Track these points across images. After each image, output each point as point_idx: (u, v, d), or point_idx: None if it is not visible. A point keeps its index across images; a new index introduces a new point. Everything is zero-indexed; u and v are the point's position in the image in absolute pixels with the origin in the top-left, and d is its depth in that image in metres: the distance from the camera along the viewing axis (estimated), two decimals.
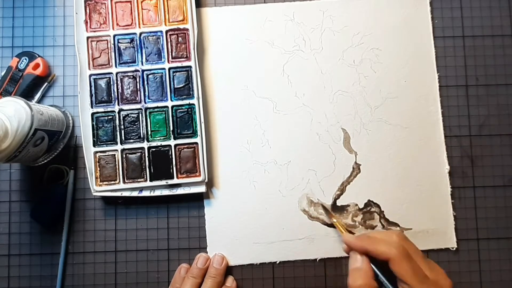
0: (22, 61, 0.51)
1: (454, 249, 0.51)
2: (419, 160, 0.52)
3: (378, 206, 0.51)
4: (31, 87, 0.51)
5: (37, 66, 0.51)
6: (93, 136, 0.50)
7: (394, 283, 0.40)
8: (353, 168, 0.52)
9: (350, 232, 0.49)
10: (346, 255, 0.45)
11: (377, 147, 0.52)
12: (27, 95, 0.52)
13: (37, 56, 0.52)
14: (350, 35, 0.53)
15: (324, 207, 0.51)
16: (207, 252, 0.51)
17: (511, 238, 0.52)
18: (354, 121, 0.52)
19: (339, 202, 0.51)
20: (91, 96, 0.50)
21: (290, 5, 0.53)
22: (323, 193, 0.51)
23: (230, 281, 0.49)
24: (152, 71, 0.51)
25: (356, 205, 0.51)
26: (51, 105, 0.51)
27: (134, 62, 0.51)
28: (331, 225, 0.51)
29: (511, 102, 0.53)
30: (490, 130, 0.53)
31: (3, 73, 0.51)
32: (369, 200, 0.51)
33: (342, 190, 0.52)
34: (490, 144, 0.53)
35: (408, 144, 0.52)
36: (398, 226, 0.51)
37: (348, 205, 0.51)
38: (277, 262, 0.51)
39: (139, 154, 0.50)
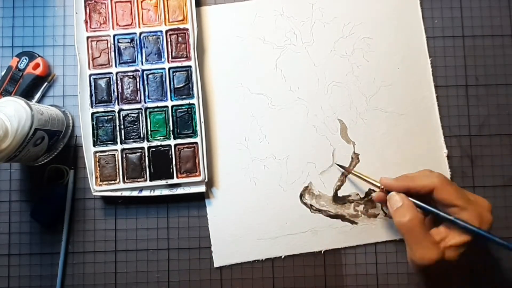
0: (22, 61, 0.51)
1: None
2: (417, 146, 0.52)
3: None
4: (31, 87, 0.52)
5: (37, 66, 0.51)
6: (93, 136, 0.50)
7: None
8: (352, 158, 0.52)
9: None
10: (351, 244, 0.47)
11: (374, 135, 0.52)
12: (27, 95, 0.52)
13: (37, 56, 0.52)
14: (340, 26, 0.53)
15: (339, 165, 0.51)
16: (211, 251, 0.51)
17: (511, 238, 0.52)
18: (350, 111, 0.53)
19: (340, 193, 0.52)
20: (91, 96, 0.50)
21: (279, 0, 0.54)
22: (324, 185, 0.52)
23: None
24: (152, 71, 0.51)
25: (357, 194, 0.52)
26: (51, 105, 0.51)
27: (134, 62, 0.51)
28: (334, 216, 0.51)
29: (511, 102, 0.53)
30: (490, 130, 0.53)
31: (3, 73, 0.51)
32: (370, 189, 0.52)
33: (342, 181, 0.52)
34: (490, 144, 0.53)
35: (405, 131, 0.52)
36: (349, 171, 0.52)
37: (349, 195, 0.52)
38: (283, 257, 0.51)
39: (139, 154, 0.50)
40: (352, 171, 0.50)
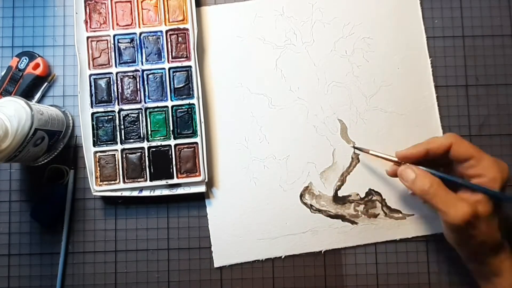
0: (22, 61, 0.51)
1: None
2: None
3: (379, 194, 0.52)
4: (31, 87, 0.52)
5: (37, 66, 0.51)
6: (93, 136, 0.50)
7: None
8: (352, 158, 0.52)
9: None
10: (351, 244, 0.48)
11: (374, 135, 0.52)
12: (27, 95, 0.52)
13: (37, 56, 0.52)
14: (340, 26, 0.53)
15: (356, 147, 0.51)
16: (211, 251, 0.51)
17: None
18: (350, 111, 0.53)
19: (340, 193, 0.52)
20: (91, 96, 0.50)
21: (279, 0, 0.54)
22: (324, 185, 0.52)
23: None
24: (152, 71, 0.51)
25: (358, 194, 0.52)
26: (51, 105, 0.51)
27: (134, 62, 0.51)
28: (334, 216, 0.51)
29: (511, 102, 0.53)
30: (490, 130, 0.53)
31: (3, 73, 0.51)
32: (370, 189, 0.52)
33: (342, 181, 0.52)
34: (490, 144, 0.53)
35: (405, 131, 0.52)
36: (400, 212, 0.51)
37: (349, 195, 0.52)
38: (283, 257, 0.51)
39: (139, 154, 0.50)
40: (370, 152, 0.49)
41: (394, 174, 0.46)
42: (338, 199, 0.52)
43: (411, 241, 0.51)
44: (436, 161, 0.44)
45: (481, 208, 0.40)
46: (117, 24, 0.51)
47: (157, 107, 0.50)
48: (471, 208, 0.40)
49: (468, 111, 0.53)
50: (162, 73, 0.51)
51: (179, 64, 0.51)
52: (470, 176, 0.42)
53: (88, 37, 0.51)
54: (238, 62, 0.53)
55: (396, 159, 0.46)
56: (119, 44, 0.51)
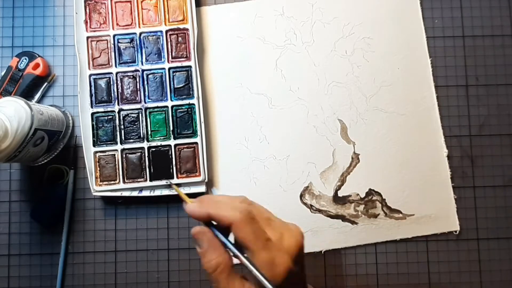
0: (22, 61, 0.51)
1: (457, 232, 0.51)
2: (417, 146, 0.52)
3: (379, 194, 0.52)
4: (31, 87, 0.51)
5: (37, 66, 0.51)
6: (93, 136, 0.50)
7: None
8: (352, 158, 0.52)
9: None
10: (351, 245, 0.48)
11: (374, 135, 0.52)
12: (27, 95, 0.52)
13: (37, 56, 0.51)
14: (340, 26, 0.53)
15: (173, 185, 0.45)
16: None
17: (511, 238, 0.52)
18: (350, 111, 0.53)
19: (340, 193, 0.52)
20: (91, 96, 0.50)
21: (279, 0, 0.54)
22: (324, 185, 0.52)
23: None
24: (152, 71, 0.51)
25: (358, 194, 0.52)
26: (51, 105, 0.51)
27: (134, 62, 0.51)
28: (334, 217, 0.51)
29: (511, 102, 0.53)
30: (490, 130, 0.53)
31: (3, 73, 0.51)
32: (370, 189, 0.52)
33: (342, 181, 0.52)
34: (490, 144, 0.53)
35: (405, 131, 0.52)
36: (401, 212, 0.51)
37: (349, 196, 0.52)
38: None
39: (139, 154, 0.50)
40: (174, 186, 0.43)
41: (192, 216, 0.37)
42: (338, 199, 0.52)
43: (411, 241, 0.51)
44: None
45: None
46: (117, 24, 0.51)
47: (157, 107, 0.50)
48: None
49: (468, 111, 0.53)
50: (162, 73, 0.51)
51: (179, 64, 0.51)
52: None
53: (88, 37, 0.51)
54: (238, 62, 0.53)
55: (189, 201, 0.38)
56: (119, 44, 0.51)
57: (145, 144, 0.50)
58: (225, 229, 0.35)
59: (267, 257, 0.34)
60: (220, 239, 0.35)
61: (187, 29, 0.51)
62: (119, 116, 0.50)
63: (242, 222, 0.34)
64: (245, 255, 0.34)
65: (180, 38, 0.51)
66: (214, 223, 0.36)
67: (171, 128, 0.50)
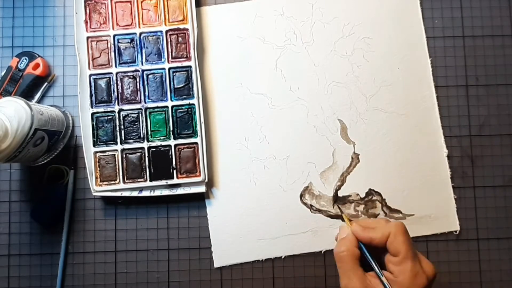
0: (22, 61, 0.51)
1: (457, 232, 0.51)
2: (417, 146, 0.52)
3: (379, 194, 0.52)
4: (31, 87, 0.51)
5: (37, 66, 0.51)
6: (93, 136, 0.50)
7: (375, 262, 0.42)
8: (352, 158, 0.52)
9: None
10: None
11: (374, 135, 0.52)
12: (27, 95, 0.52)
13: (37, 56, 0.52)
14: (340, 26, 0.53)
15: (339, 208, 0.51)
16: (211, 252, 0.51)
17: (511, 238, 0.52)
18: (350, 111, 0.53)
19: (340, 193, 0.52)
20: (91, 96, 0.50)
21: (279, 0, 0.54)
22: (324, 185, 0.52)
23: None
24: (152, 71, 0.51)
25: (358, 194, 0.52)
26: (51, 105, 0.51)
27: (134, 62, 0.51)
28: (334, 217, 0.51)
29: (511, 102, 0.53)
30: (490, 130, 0.53)
31: (3, 73, 0.51)
32: (370, 189, 0.52)
33: (342, 181, 0.52)
34: (490, 144, 0.53)
35: (405, 131, 0.52)
36: (400, 212, 0.51)
37: (349, 196, 0.52)
38: (283, 257, 0.51)
39: (139, 154, 0.50)
40: (343, 214, 0.49)
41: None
42: (338, 199, 0.52)
43: None
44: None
45: None
46: (117, 24, 0.51)
47: (157, 107, 0.50)
48: (361, 286, 0.40)
49: (468, 111, 0.53)
50: (162, 73, 0.51)
51: (179, 64, 0.51)
52: (388, 269, 0.42)
53: (88, 37, 0.51)
54: (238, 62, 0.53)
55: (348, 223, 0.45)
56: (119, 44, 0.51)
57: (145, 144, 0.50)
58: (373, 249, 0.43)
59: (414, 268, 0.40)
60: (366, 256, 0.42)
61: (187, 29, 0.51)
62: (119, 116, 0.50)
63: (400, 231, 0.41)
64: (383, 276, 0.41)
65: (180, 38, 0.51)
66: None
67: (171, 128, 0.50)
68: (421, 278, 0.40)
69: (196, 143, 0.50)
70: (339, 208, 0.51)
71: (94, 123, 0.50)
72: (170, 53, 0.51)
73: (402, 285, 0.39)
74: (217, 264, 0.51)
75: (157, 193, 0.50)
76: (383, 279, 0.40)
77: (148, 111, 0.50)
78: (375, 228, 0.42)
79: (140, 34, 0.51)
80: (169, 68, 0.51)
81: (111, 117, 0.50)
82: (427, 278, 0.40)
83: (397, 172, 0.52)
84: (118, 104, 0.50)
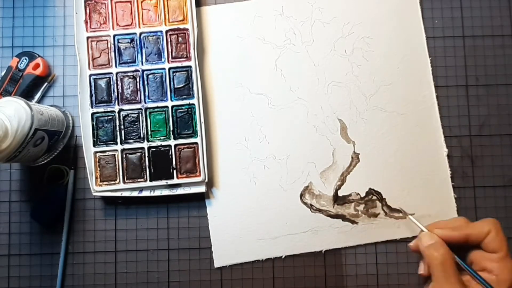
0: (22, 61, 0.51)
1: None
2: (417, 145, 0.52)
3: (379, 193, 0.52)
4: (31, 87, 0.51)
5: (37, 66, 0.51)
6: (93, 136, 0.50)
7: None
8: (352, 157, 0.52)
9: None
10: (352, 244, 0.49)
11: (374, 135, 0.52)
12: (27, 95, 0.52)
13: (37, 56, 0.52)
14: (340, 26, 0.53)
15: (402, 211, 0.50)
16: (211, 252, 0.51)
17: (511, 238, 0.52)
18: (350, 110, 0.53)
19: (340, 193, 0.52)
20: (91, 96, 0.50)
21: (279, 0, 0.54)
22: (324, 184, 0.52)
23: None
24: (152, 71, 0.51)
25: (358, 194, 0.52)
26: (51, 105, 0.51)
27: (134, 62, 0.51)
28: (334, 216, 0.51)
29: (511, 102, 0.53)
30: (490, 130, 0.53)
31: (3, 73, 0.51)
32: (370, 189, 0.52)
33: (342, 180, 0.52)
34: (490, 144, 0.53)
35: (405, 130, 0.52)
36: (401, 212, 0.51)
37: (349, 195, 0.52)
38: (283, 257, 0.51)
39: (139, 154, 0.50)
40: (408, 217, 0.48)
41: (415, 250, 0.45)
42: (338, 199, 0.52)
43: (411, 241, 0.51)
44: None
45: None
46: (117, 24, 0.51)
47: (157, 107, 0.50)
48: None
49: (468, 111, 0.53)
50: (162, 73, 0.51)
51: (179, 64, 0.51)
52: (481, 266, 0.42)
53: (88, 37, 0.51)
54: (238, 62, 0.53)
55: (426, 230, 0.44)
56: (119, 44, 0.51)
57: (145, 144, 0.50)
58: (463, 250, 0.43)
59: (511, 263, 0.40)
60: (459, 262, 0.42)
61: (187, 29, 0.51)
62: (119, 116, 0.50)
63: (499, 229, 0.41)
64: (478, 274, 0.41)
65: (180, 38, 0.51)
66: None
67: (171, 128, 0.50)
68: None
69: (196, 143, 0.50)
70: (407, 215, 0.48)
71: (94, 123, 0.50)
72: (170, 53, 0.51)
73: (505, 282, 0.40)
74: (217, 264, 0.51)
75: (157, 193, 0.50)
76: (483, 280, 0.40)
77: (148, 111, 0.50)
78: (470, 226, 0.42)
79: (140, 34, 0.51)
80: (169, 68, 0.51)
81: (111, 117, 0.50)
82: None
83: (397, 171, 0.52)
84: (118, 104, 0.50)
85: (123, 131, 0.50)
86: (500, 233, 0.41)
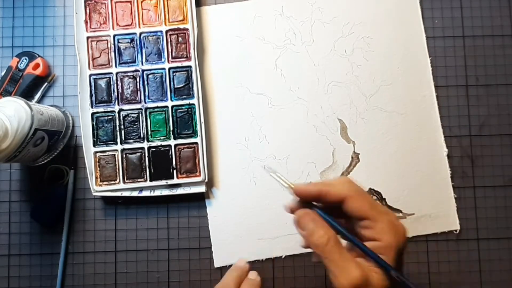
0: (22, 61, 0.51)
1: (458, 231, 0.51)
2: (417, 145, 0.52)
3: (379, 193, 0.52)
4: (31, 87, 0.51)
5: (37, 66, 0.51)
6: (93, 136, 0.50)
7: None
8: (352, 157, 0.52)
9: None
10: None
11: (374, 135, 0.52)
12: (27, 95, 0.52)
13: (37, 56, 0.51)
14: (340, 26, 0.53)
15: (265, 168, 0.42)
16: (211, 252, 0.51)
17: (511, 238, 0.52)
18: (350, 110, 0.53)
19: None
20: (91, 96, 0.50)
21: (279, 0, 0.54)
22: None
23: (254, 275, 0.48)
24: (152, 71, 0.51)
25: None
26: (51, 105, 0.51)
27: (134, 62, 0.51)
28: None
29: (511, 102, 0.53)
30: (490, 130, 0.53)
31: (3, 73, 0.51)
32: (370, 189, 0.52)
33: None
34: (490, 144, 0.53)
35: (405, 130, 0.52)
36: (401, 212, 0.51)
37: None
38: (283, 257, 0.51)
39: (139, 154, 0.50)
40: (271, 174, 0.39)
41: (292, 211, 0.38)
42: None
43: (411, 241, 0.51)
44: (337, 211, 0.37)
45: (375, 277, 0.34)
46: (117, 24, 0.51)
47: (157, 107, 0.50)
48: (362, 274, 0.33)
49: (468, 111, 0.53)
50: (162, 73, 0.51)
51: (179, 64, 0.51)
52: (365, 238, 0.35)
53: (88, 37, 0.51)
54: (238, 62, 0.53)
55: (290, 185, 0.37)
56: (119, 44, 0.51)
57: (145, 144, 0.50)
58: (330, 209, 0.36)
59: (389, 222, 0.35)
60: (326, 219, 0.36)
61: (187, 29, 0.51)
62: (119, 116, 0.50)
63: (357, 193, 0.36)
64: (356, 237, 0.35)
65: (180, 38, 0.51)
66: (316, 204, 0.37)
67: (171, 128, 0.50)
68: (399, 227, 0.35)
69: (196, 143, 0.50)
70: (270, 173, 0.39)
71: (94, 123, 0.50)
72: (170, 53, 0.51)
73: (388, 245, 0.34)
74: (217, 264, 0.51)
75: (157, 193, 0.50)
76: (369, 246, 0.34)
77: (148, 111, 0.50)
78: (326, 184, 0.37)
79: (140, 34, 0.51)
80: (169, 68, 0.51)
81: (111, 117, 0.50)
82: (403, 227, 0.35)
83: (397, 171, 0.52)
84: (118, 104, 0.50)
85: (123, 131, 0.50)
86: (359, 197, 0.35)
